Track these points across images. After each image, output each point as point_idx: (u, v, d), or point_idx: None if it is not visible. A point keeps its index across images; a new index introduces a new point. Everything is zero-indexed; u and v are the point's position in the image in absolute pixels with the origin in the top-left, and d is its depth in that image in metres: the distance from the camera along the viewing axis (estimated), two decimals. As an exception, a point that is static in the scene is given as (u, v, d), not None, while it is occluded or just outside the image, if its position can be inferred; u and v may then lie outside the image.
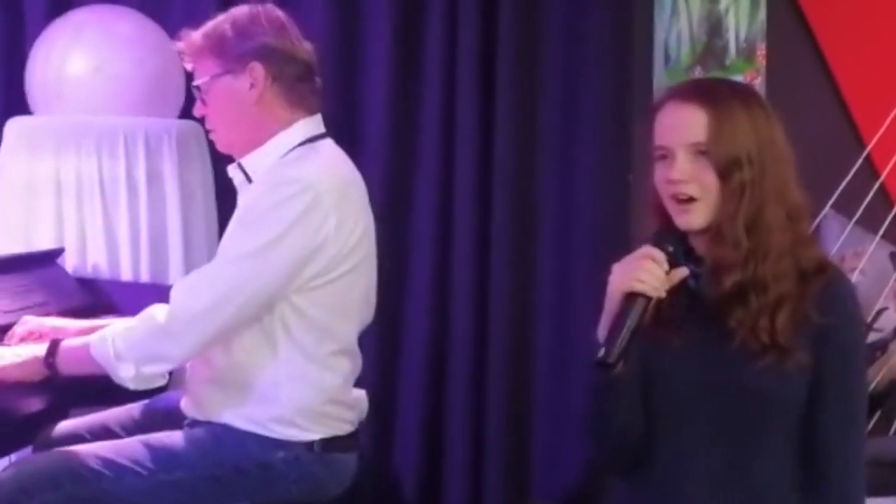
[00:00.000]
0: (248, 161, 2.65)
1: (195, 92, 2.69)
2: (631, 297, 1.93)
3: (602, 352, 1.92)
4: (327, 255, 2.54)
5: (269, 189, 2.54)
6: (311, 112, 2.69)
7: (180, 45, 2.70)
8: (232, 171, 2.70)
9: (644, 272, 1.94)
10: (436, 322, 3.69)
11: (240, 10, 2.67)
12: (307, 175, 2.54)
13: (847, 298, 2.04)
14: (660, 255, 1.96)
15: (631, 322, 1.92)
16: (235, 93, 2.63)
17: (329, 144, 2.72)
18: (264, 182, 2.58)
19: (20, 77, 3.68)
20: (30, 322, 2.84)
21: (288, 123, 2.65)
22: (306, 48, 2.70)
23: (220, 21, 2.66)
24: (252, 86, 2.62)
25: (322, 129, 2.71)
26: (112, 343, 2.51)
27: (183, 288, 2.54)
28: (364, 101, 3.75)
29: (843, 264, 3.37)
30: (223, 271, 2.52)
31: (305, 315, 2.57)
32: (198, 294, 2.50)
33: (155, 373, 2.54)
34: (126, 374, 2.51)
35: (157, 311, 2.53)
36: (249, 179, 2.65)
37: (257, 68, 2.61)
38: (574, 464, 3.60)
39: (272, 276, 2.50)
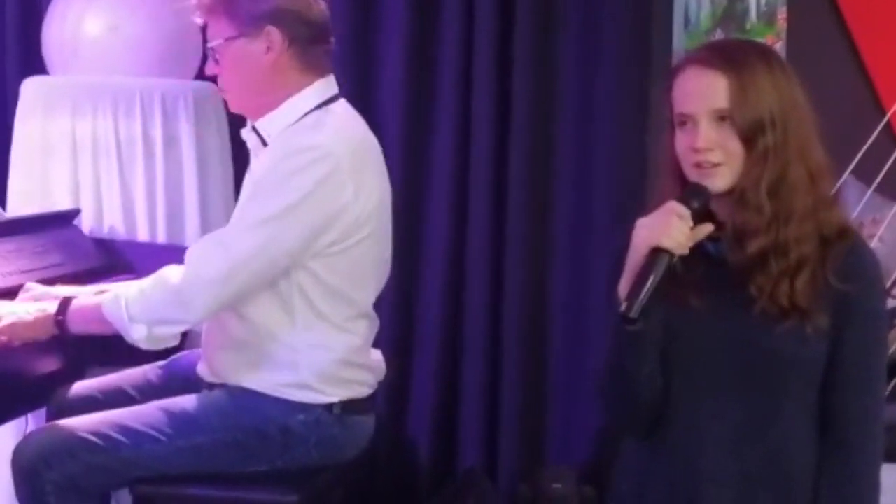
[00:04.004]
0: (263, 124, 2.62)
1: (209, 52, 2.66)
2: (656, 252, 1.93)
3: (624, 306, 1.92)
4: (345, 223, 2.53)
5: (287, 155, 2.51)
6: (324, 73, 2.66)
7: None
8: (245, 133, 2.68)
9: (672, 227, 1.93)
10: (451, 289, 3.68)
11: None
12: (326, 142, 2.52)
13: (870, 266, 2.03)
14: (685, 211, 1.95)
15: (655, 277, 1.92)
16: (250, 56, 2.60)
17: (343, 105, 2.69)
18: (281, 148, 2.55)
19: (37, 37, 3.67)
20: (35, 290, 2.76)
21: (302, 86, 2.61)
22: (321, 8, 2.66)
23: None
24: (269, 50, 2.58)
25: (335, 90, 2.68)
26: (125, 305, 2.50)
27: (197, 253, 2.53)
28: (380, 91, 3.71)
29: (862, 231, 3.35)
30: (240, 238, 2.49)
31: (322, 281, 2.55)
32: (212, 261, 2.48)
33: (167, 334, 2.53)
34: (138, 335, 2.50)
35: (171, 275, 2.51)
36: (264, 142, 2.63)
37: (274, 33, 2.57)
38: (589, 429, 3.60)
39: (289, 242, 2.49)
